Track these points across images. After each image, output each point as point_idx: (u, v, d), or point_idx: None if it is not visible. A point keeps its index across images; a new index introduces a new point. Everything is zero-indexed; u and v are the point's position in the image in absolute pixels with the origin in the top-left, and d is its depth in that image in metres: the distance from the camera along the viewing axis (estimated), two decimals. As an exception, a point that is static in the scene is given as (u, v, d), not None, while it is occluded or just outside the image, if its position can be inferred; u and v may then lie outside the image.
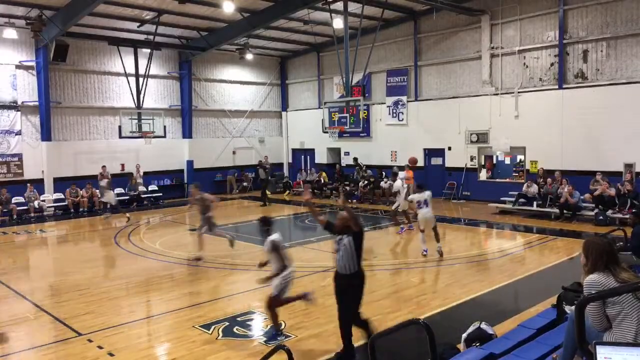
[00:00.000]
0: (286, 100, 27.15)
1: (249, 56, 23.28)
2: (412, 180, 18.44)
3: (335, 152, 24.66)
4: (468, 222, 15.48)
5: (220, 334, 6.67)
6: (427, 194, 11.13)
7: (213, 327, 6.92)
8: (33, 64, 19.01)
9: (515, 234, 13.90)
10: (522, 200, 16.31)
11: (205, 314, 7.52)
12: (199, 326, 6.96)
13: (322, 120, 20.82)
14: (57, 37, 18.17)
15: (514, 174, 18.98)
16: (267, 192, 20.86)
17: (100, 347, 6.32)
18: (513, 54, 18.13)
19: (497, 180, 19.07)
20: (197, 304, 8.07)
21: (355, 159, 22.42)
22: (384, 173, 20.76)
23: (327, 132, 20.46)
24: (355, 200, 19.97)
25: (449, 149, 20.06)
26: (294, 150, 26.93)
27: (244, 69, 25.37)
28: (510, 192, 17.14)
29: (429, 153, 20.83)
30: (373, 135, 22.71)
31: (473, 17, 18.84)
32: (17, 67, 18.77)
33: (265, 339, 6.51)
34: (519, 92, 17.89)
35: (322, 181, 22.84)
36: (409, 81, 21.29)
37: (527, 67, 17.87)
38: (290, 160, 27.07)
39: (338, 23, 18.47)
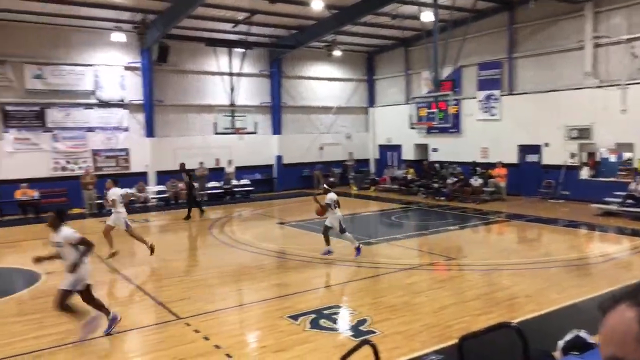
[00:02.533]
0: (373, 96, 27.08)
1: (337, 53, 23.49)
2: (503, 178, 17.67)
3: (422, 148, 24.22)
4: (567, 224, 14.55)
5: (308, 326, 6.84)
6: None
7: (301, 318, 7.11)
8: (139, 65, 20.51)
9: (620, 237, 12.87)
10: (630, 201, 15.03)
11: (293, 305, 7.75)
12: (287, 317, 7.19)
13: (410, 116, 20.53)
14: (159, 39, 19.46)
15: (619, 173, 17.53)
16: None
17: (196, 331, 6.73)
18: (620, 43, 16.73)
19: (601, 179, 17.69)
20: (285, 295, 8.33)
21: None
22: (477, 169, 20.05)
23: (414, 128, 20.13)
24: (443, 198, 19.51)
25: (546, 145, 18.95)
26: (380, 147, 26.80)
27: (331, 66, 25.63)
28: (615, 192, 15.85)
29: (524, 149, 19.81)
30: (463, 131, 22.02)
31: (575, 5, 17.60)
32: (126, 68, 20.36)
33: (351, 333, 6.59)
34: (626, 85, 16.49)
35: (409, 178, 22.54)
36: (502, 74, 20.36)
37: (636, 57, 16.41)
38: (377, 157, 26.99)
39: (427, 16, 18.08)
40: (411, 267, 9.84)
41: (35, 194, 17.75)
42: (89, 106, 19.73)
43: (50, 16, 17.67)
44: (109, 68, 19.97)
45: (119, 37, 19.16)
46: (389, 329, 6.66)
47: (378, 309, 7.38)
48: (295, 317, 7.14)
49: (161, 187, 20.84)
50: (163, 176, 21.02)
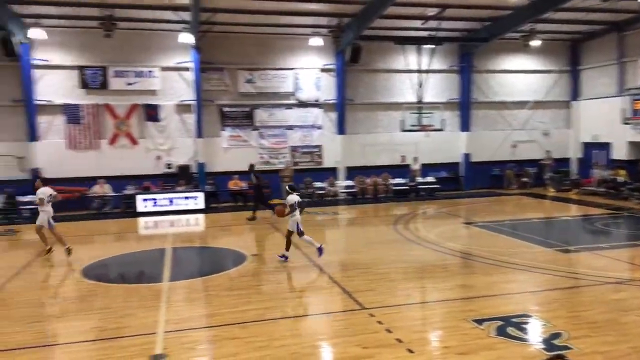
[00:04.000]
0: (577, 89, 24.38)
1: (535, 43, 21.74)
2: None
3: (637, 146, 21.02)
4: None
5: (493, 332, 6.55)
6: None
7: (486, 323, 6.85)
8: (333, 66, 21.78)
9: None
10: None
11: (478, 309, 7.49)
12: (472, 320, 6.98)
13: (623, 110, 18.00)
14: (353, 41, 20.38)
15: None
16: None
17: (380, 323, 6.96)
18: None
19: None
20: (470, 298, 8.09)
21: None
22: None
23: (628, 124, 17.59)
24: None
25: None
26: (585, 145, 24.02)
27: (528, 57, 23.79)
28: None
29: None
30: (694, 126, 18.52)
31: None
32: (321, 70, 21.81)
33: (543, 346, 6.12)
34: None
35: (619, 180, 19.79)
36: None
37: None
38: (580, 155, 24.26)
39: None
40: (619, 282, 8.70)
41: (244, 184, 20.16)
42: (289, 106, 21.67)
43: (259, 26, 19.83)
44: (306, 71, 21.63)
45: (316, 41, 20.64)
46: (589, 347, 6.01)
47: (576, 323, 6.71)
48: (479, 322, 6.90)
49: (349, 182, 21.85)
50: (352, 171, 22.03)
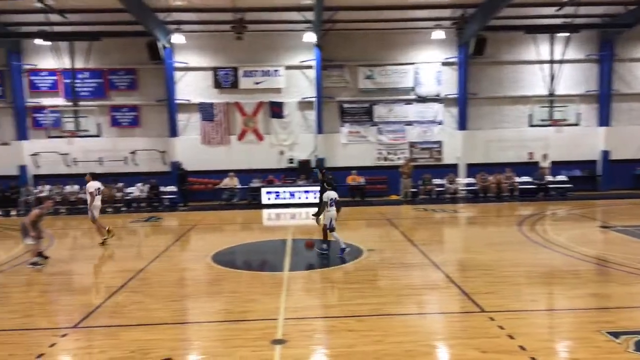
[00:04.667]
0: None
1: (694, 25, 19.11)
2: None
3: None
4: None
5: (632, 347, 5.94)
6: None
7: (623, 337, 6.22)
8: (454, 60, 21.10)
9: None
10: None
11: (614, 320, 6.83)
12: (606, 332, 6.39)
13: None
14: (477, 32, 19.54)
15: None
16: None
17: (501, 327, 6.65)
18: None
19: None
20: (605, 308, 7.41)
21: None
22: None
23: None
24: None
25: None
26: None
27: (684, 42, 21.00)
28: None
29: None
30: None
31: None
32: (443, 64, 21.24)
33: (693, 368, 5.42)
34: None
35: None
36: None
37: None
38: None
39: None
40: None
41: (361, 180, 20.36)
42: (408, 102, 21.42)
43: (380, 22, 19.83)
44: (427, 65, 21.20)
45: (438, 34, 20.12)
46: None
47: None
48: (615, 335, 6.29)
49: (470, 180, 21.03)
50: (473, 169, 21.18)
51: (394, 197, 20.51)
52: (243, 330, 6.78)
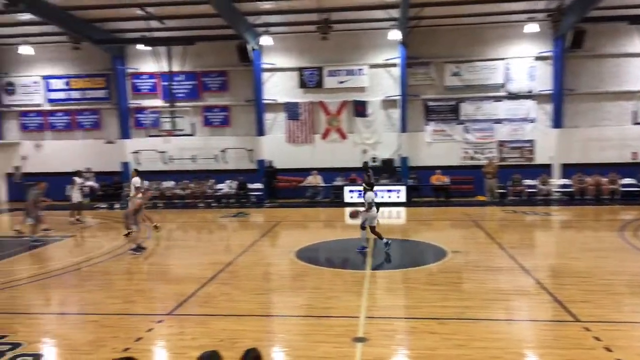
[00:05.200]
0: None
1: None
2: None
3: None
4: None
5: None
6: None
7: None
8: (549, 54, 19.94)
9: None
10: None
11: None
12: None
13: None
14: (575, 24, 18.33)
15: None
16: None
17: (597, 339, 6.23)
18: None
19: None
20: None
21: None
22: None
23: None
24: None
25: None
26: None
27: None
28: None
29: None
30: None
31: None
32: (536, 58, 20.15)
33: None
34: None
35: None
36: None
37: None
38: None
39: None
40: None
41: (446, 179, 19.86)
42: (497, 99, 20.55)
43: (469, 17, 19.19)
44: (519, 60, 20.22)
45: (532, 28, 19.11)
46: None
47: None
48: None
49: (566, 181, 19.79)
50: (568, 169, 19.91)
51: (480, 198, 19.79)
52: (325, 326, 6.90)
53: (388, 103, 21.09)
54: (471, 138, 20.80)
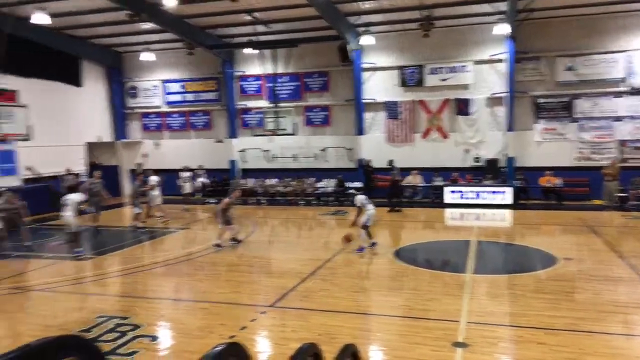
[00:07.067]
0: None
1: None
2: None
3: None
4: None
5: None
6: None
7: None
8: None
9: None
10: None
11: None
12: None
13: None
14: None
15: None
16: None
17: None
18: None
19: None
20: None
21: None
22: None
23: None
24: None
25: None
26: None
27: None
28: None
29: None
30: None
31: None
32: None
33: None
34: None
35: None
36: None
37: None
38: None
39: None
40: None
41: (558, 181, 18.58)
42: (618, 94, 18.83)
43: (587, 6, 17.76)
44: (644, 52, 18.37)
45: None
46: None
47: None
48: None
49: (699, 185, 17.63)
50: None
51: (597, 201, 18.25)
52: (423, 328, 6.80)
53: (493, 100, 20.19)
54: (587, 137, 19.26)
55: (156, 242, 13.85)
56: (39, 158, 19.29)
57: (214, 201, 21.60)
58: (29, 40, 18.72)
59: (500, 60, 19.77)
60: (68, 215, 11.71)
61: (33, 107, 19.03)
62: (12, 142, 17.42)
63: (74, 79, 22.24)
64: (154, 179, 16.57)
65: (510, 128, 19.74)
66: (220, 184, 22.70)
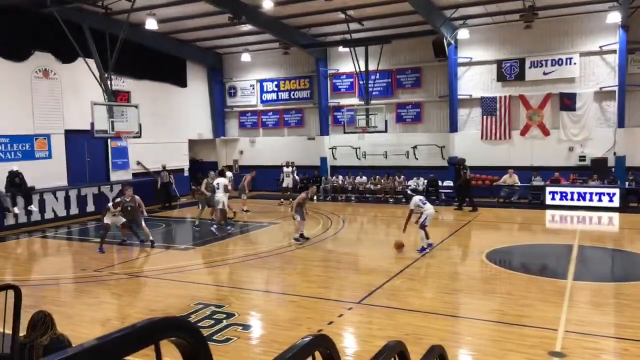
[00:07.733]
0: None
1: None
2: None
3: None
4: None
5: None
6: None
7: None
8: None
9: None
10: None
11: None
12: None
13: None
14: None
15: None
16: None
17: None
18: None
19: None
20: None
21: None
22: None
23: None
24: None
25: None
26: None
27: None
28: None
29: None
30: None
31: None
32: None
33: None
34: None
35: None
36: None
37: None
38: None
39: None
40: None
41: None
42: None
43: None
44: None
45: None
46: None
47: None
48: None
49: None
50: None
51: None
52: (517, 334, 6.52)
53: (602, 95, 18.68)
54: None
55: (249, 235, 14.47)
56: (146, 154, 20.94)
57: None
58: (141, 45, 20.30)
59: (611, 52, 18.25)
60: (219, 196, 13.80)
61: (142, 107, 20.65)
62: (125, 139, 19.01)
63: (181, 80, 23.82)
64: (221, 180, 15.23)
65: (620, 124, 18.17)
66: (310, 180, 23.17)
